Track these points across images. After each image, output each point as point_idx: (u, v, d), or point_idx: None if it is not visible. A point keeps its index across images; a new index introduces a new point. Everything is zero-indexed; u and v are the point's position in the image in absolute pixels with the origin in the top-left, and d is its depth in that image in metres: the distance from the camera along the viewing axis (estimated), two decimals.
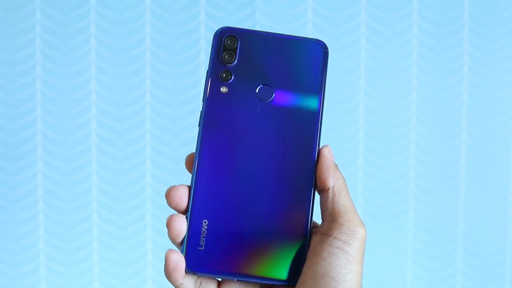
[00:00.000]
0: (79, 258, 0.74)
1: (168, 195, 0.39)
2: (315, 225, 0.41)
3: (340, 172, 0.40)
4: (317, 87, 0.41)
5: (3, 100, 0.72)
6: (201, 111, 0.41)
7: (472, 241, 0.76)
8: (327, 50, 0.42)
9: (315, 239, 0.39)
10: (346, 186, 0.40)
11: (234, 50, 0.41)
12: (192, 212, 0.39)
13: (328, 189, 0.39)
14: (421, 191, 0.76)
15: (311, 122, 0.41)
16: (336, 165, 0.40)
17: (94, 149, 0.73)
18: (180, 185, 0.40)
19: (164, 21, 0.73)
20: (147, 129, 0.73)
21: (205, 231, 0.39)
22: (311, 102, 0.41)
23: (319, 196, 0.41)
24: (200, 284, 0.40)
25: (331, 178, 0.39)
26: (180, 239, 0.39)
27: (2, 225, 0.73)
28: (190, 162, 0.41)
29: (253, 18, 0.73)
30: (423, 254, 0.76)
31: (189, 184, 0.40)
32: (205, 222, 0.39)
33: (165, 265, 0.38)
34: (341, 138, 0.75)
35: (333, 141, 0.75)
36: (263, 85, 0.41)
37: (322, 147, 0.41)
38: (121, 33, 0.73)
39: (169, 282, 0.39)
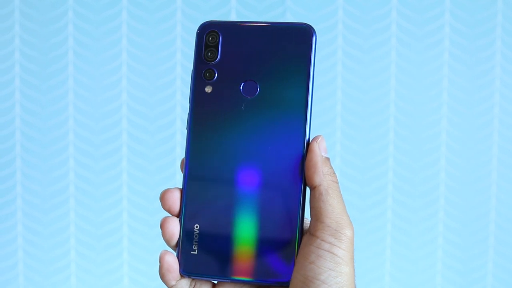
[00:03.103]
0: (109, 255, 0.74)
1: (162, 198, 0.39)
2: (306, 224, 0.40)
3: (331, 168, 0.38)
4: (304, 77, 0.39)
5: (37, 99, 0.73)
6: (188, 113, 0.40)
7: (503, 244, 0.76)
8: (314, 34, 0.39)
9: (304, 240, 0.38)
10: (336, 182, 0.38)
11: (216, 46, 0.39)
12: (184, 217, 0.39)
13: (315, 187, 0.37)
14: (452, 193, 0.75)
15: (299, 115, 0.39)
16: (327, 159, 0.38)
17: (125, 148, 0.74)
18: (174, 188, 0.39)
19: (194, 21, 0.73)
20: (177, 128, 0.74)
21: (197, 235, 0.39)
22: (298, 94, 0.39)
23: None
24: (194, 286, 0.40)
25: (318, 176, 0.37)
26: (173, 242, 0.39)
27: (35, 223, 0.74)
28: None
29: (284, 18, 0.73)
30: (453, 257, 0.76)
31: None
32: (196, 227, 0.39)
33: (159, 266, 0.39)
34: (371, 139, 0.74)
35: (363, 141, 0.74)
36: (247, 80, 0.39)
37: (313, 140, 0.38)
38: (153, 33, 0.73)
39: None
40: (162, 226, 0.39)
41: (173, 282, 0.39)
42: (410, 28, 0.74)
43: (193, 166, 0.39)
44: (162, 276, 0.39)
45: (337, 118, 0.74)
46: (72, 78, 0.73)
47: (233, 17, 0.73)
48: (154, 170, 0.74)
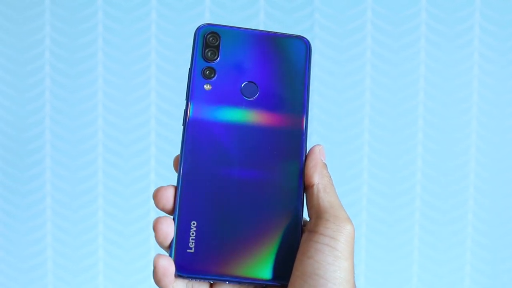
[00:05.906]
0: (137, 254, 0.75)
1: (155, 196, 0.38)
2: (303, 224, 0.40)
3: (328, 171, 0.39)
4: (302, 84, 0.40)
5: (66, 98, 0.74)
6: (184, 110, 0.40)
7: None
8: (310, 46, 0.41)
9: (303, 238, 0.38)
10: (332, 184, 0.39)
11: (217, 47, 0.40)
12: (180, 214, 0.38)
13: (313, 185, 0.38)
14: (481, 194, 0.75)
15: (297, 118, 0.40)
16: (325, 164, 0.39)
17: (153, 148, 0.74)
18: (168, 185, 0.39)
19: (223, 21, 0.73)
20: None
21: (194, 233, 0.38)
22: (296, 99, 0.40)
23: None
24: None
25: (317, 175, 0.39)
26: (167, 243, 0.38)
27: (64, 221, 0.75)
28: (177, 163, 0.40)
29: (312, 18, 0.73)
30: (482, 259, 0.75)
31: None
32: (193, 224, 0.38)
33: (153, 271, 0.37)
34: (400, 139, 0.74)
35: (392, 142, 0.74)
36: (247, 82, 0.40)
37: (314, 145, 0.40)
38: (181, 33, 0.74)
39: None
40: (155, 227, 0.38)
41: (170, 286, 0.37)
42: (440, 28, 0.74)
43: (189, 163, 0.39)
44: (158, 282, 0.37)
45: (365, 119, 0.74)
46: (101, 78, 0.74)
47: (261, 18, 0.74)
48: None
